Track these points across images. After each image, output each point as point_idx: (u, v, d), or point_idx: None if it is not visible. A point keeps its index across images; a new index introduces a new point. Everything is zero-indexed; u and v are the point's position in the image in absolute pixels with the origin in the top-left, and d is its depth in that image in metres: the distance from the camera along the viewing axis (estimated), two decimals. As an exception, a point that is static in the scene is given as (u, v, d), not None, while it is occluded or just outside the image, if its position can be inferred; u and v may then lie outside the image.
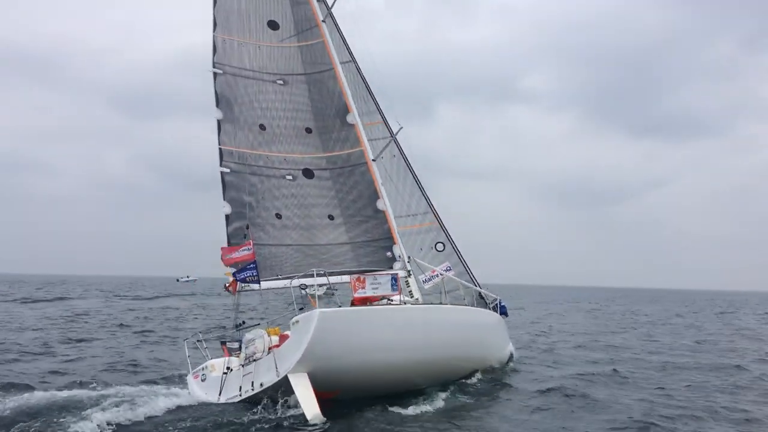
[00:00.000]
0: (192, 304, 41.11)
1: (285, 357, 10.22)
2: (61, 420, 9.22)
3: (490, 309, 16.53)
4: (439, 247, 17.44)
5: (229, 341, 12.15)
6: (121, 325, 25.78)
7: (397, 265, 15.25)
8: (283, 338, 11.04)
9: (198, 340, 12.88)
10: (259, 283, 11.94)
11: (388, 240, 15.25)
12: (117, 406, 9.97)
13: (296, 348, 10.09)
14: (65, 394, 10.93)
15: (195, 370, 12.08)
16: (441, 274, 15.69)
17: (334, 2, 16.16)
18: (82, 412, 9.58)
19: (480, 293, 17.18)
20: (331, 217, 14.88)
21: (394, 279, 11.89)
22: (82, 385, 11.98)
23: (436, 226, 17.45)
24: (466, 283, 16.73)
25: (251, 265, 11.45)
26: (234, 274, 11.80)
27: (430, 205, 17.51)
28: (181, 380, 12.55)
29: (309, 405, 9.74)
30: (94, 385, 11.75)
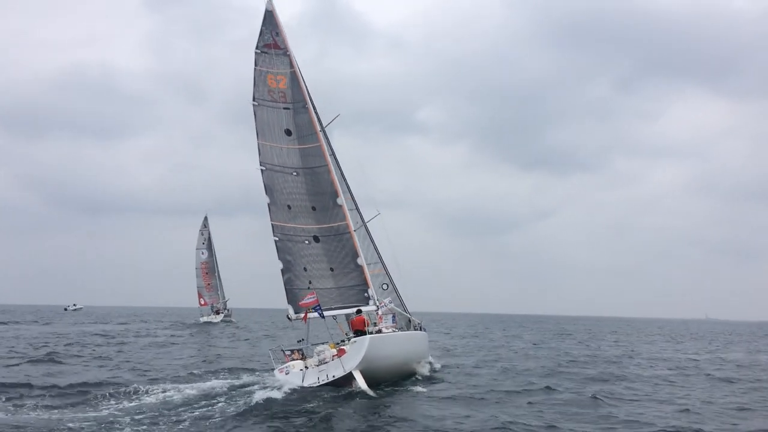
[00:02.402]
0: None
1: (348, 360, 17.51)
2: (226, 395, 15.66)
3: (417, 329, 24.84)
4: (384, 286, 25.22)
5: (287, 350, 19.18)
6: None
7: (370, 302, 22.80)
8: (341, 351, 18.19)
9: (283, 350, 19.54)
10: (324, 317, 19.07)
11: (365, 285, 22.65)
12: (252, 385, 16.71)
13: (356, 355, 17.46)
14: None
15: (280, 367, 18.77)
16: (386, 305, 23.68)
17: (328, 123, 23.32)
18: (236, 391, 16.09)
19: (409, 319, 25.37)
20: (332, 269, 22.00)
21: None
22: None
23: (383, 272, 25.18)
24: (402, 312, 24.84)
25: (318, 306, 18.53)
26: (308, 311, 18.81)
27: (379, 256, 25.28)
28: (269, 373, 19.59)
29: (364, 384, 17.21)
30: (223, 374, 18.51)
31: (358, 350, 17.63)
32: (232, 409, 14.25)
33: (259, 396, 15.64)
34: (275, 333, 48.27)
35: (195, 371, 21.16)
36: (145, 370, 22.00)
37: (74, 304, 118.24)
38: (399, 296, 25.29)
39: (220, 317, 64.20)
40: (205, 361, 25.88)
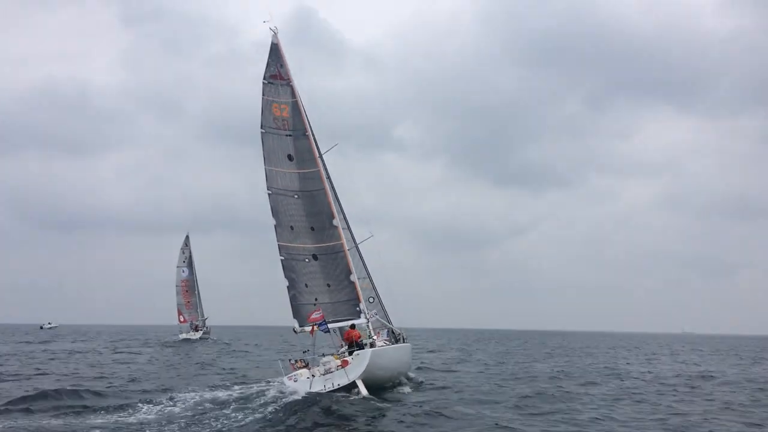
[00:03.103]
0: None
1: (352, 370, 19.62)
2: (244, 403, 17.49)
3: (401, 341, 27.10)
4: (371, 299, 27.43)
5: (292, 360, 21.12)
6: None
7: (362, 315, 24.88)
8: (344, 362, 20.24)
9: (290, 360, 21.41)
10: (329, 331, 21.04)
11: (357, 300, 24.74)
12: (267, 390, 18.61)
13: (359, 366, 19.59)
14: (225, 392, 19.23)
15: (288, 375, 20.68)
16: (372, 317, 25.88)
17: (326, 151, 25.37)
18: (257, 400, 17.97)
19: (392, 330, 27.59)
20: (328, 285, 24.01)
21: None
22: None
23: (369, 286, 27.36)
24: (386, 323, 27.05)
25: (324, 321, 20.57)
26: (315, 325, 20.77)
27: (367, 271, 27.42)
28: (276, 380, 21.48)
29: (364, 390, 19.33)
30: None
31: (361, 362, 19.80)
32: (249, 413, 16.16)
33: (272, 400, 17.60)
34: (251, 349, 49.75)
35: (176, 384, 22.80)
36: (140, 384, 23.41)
37: (49, 323, 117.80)
38: (383, 308, 27.52)
39: (198, 334, 65.14)
40: (180, 376, 27.43)
